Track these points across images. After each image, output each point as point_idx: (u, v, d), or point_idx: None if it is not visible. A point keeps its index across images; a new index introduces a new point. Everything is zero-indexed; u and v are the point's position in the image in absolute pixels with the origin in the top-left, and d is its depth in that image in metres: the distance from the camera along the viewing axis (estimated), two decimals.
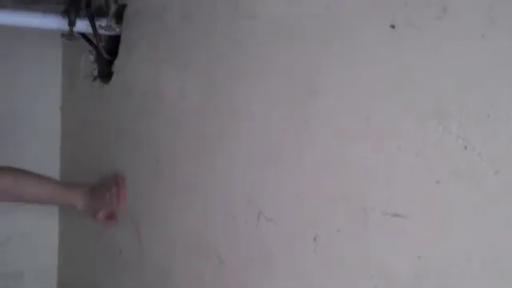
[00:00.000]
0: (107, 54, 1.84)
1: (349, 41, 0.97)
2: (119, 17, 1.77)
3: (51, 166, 2.35)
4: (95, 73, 1.96)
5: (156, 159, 1.56)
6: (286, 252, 1.09)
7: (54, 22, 1.80)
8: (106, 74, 1.89)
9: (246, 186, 1.21)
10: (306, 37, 1.06)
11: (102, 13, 1.80)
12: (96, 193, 1.75)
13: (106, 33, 1.78)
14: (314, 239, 1.01)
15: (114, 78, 1.83)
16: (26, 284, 2.35)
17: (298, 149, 1.06)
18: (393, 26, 0.88)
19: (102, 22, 1.78)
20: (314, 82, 1.03)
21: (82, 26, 1.80)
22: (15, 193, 1.73)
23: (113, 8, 1.72)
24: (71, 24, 1.76)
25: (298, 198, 1.05)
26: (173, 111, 1.49)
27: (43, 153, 2.35)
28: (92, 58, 1.98)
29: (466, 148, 0.77)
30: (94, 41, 1.85)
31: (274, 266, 1.13)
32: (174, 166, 1.49)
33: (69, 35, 1.77)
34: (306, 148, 1.04)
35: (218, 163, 1.31)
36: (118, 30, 1.77)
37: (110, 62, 1.85)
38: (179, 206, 1.47)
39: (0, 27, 1.96)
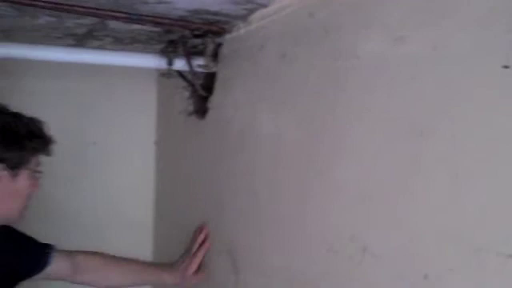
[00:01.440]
0: (203, 90, 1.91)
1: (458, 81, 0.97)
2: (215, 55, 1.84)
3: (145, 199, 2.44)
4: (191, 108, 2.03)
5: (253, 193, 1.59)
6: None
7: (153, 62, 1.89)
8: (201, 110, 1.96)
9: (349, 222, 1.22)
10: (411, 76, 1.07)
11: (198, 51, 1.87)
12: (181, 261, 1.84)
13: (203, 71, 1.85)
14: (425, 277, 1.01)
15: (209, 113, 1.89)
16: None
17: (407, 186, 1.06)
18: (506, 67, 0.89)
19: (198, 61, 1.85)
20: (421, 121, 1.04)
21: (179, 64, 1.88)
22: (105, 274, 1.82)
23: (210, 47, 1.78)
24: (170, 63, 1.84)
25: (408, 235, 1.05)
26: (270, 148, 1.52)
27: (137, 186, 2.44)
28: (187, 94, 2.06)
29: None
30: (190, 78, 1.93)
31: None
32: (272, 200, 1.52)
33: (167, 73, 1.85)
34: (415, 186, 1.04)
35: (319, 199, 1.33)
36: (214, 68, 1.83)
37: (206, 98, 1.92)
38: (277, 241, 1.49)
39: (99, 66, 2.08)
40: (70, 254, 1.75)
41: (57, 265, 1.70)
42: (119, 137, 2.41)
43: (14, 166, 1.50)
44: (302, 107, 1.39)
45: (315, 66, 1.36)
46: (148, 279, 1.91)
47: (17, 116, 1.56)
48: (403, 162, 1.07)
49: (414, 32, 1.07)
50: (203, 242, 1.83)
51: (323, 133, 1.31)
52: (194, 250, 1.83)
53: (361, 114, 1.20)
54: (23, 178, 1.53)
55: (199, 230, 1.86)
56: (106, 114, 2.38)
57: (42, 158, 1.62)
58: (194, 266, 1.81)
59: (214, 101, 1.86)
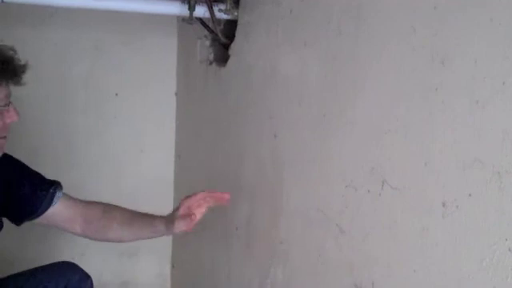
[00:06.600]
0: (224, 37, 1.91)
1: (478, 6, 0.97)
2: (236, 1, 1.84)
3: (166, 150, 2.46)
4: (211, 57, 2.04)
5: (273, 135, 1.61)
6: (411, 219, 1.11)
7: (175, 8, 1.89)
8: (222, 58, 1.97)
9: (368, 156, 1.23)
10: (433, 6, 1.07)
11: None
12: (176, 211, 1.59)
13: (225, 17, 1.85)
14: (443, 205, 1.02)
15: (230, 60, 1.90)
16: (141, 260, 2.47)
17: (427, 117, 1.06)
18: None
19: (219, 7, 1.85)
20: (442, 50, 1.04)
21: (200, 10, 1.88)
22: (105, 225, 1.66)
23: None
24: (191, 9, 1.84)
25: (427, 165, 1.06)
26: (292, 89, 1.53)
27: (158, 138, 2.46)
28: (208, 43, 2.07)
29: None
30: (211, 25, 1.93)
31: (397, 234, 1.15)
32: (292, 140, 1.53)
33: (189, 19, 1.85)
34: (435, 115, 1.05)
35: (338, 136, 1.34)
36: (235, 13, 1.83)
37: (227, 46, 1.92)
38: (297, 180, 1.51)
39: (119, 14, 2.09)
40: (75, 200, 1.66)
41: (60, 207, 1.62)
42: (141, 88, 2.42)
43: None
44: (325, 46, 1.40)
45: (337, 3, 1.35)
46: (146, 234, 1.68)
47: None
48: (424, 92, 1.07)
49: None
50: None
51: (345, 69, 1.32)
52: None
53: (382, 46, 1.20)
54: None
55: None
56: (128, 65, 2.39)
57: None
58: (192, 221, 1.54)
59: (236, 47, 1.87)
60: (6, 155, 1.55)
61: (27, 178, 1.61)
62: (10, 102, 1.47)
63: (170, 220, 1.58)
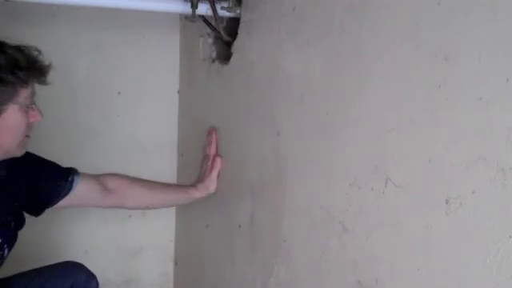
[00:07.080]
0: (226, 34, 1.91)
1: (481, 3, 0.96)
2: None
3: (169, 150, 2.46)
4: (214, 55, 2.03)
5: (277, 133, 1.60)
6: (415, 217, 1.11)
7: (177, 6, 1.88)
8: (224, 56, 1.96)
9: (372, 154, 1.23)
10: (437, 1, 1.06)
11: None
12: (202, 173, 1.94)
13: (227, 14, 1.85)
14: (447, 202, 1.02)
15: (232, 58, 1.89)
16: (144, 258, 2.47)
17: (431, 114, 1.06)
18: None
19: (222, 4, 1.84)
20: (445, 47, 1.04)
21: (203, 8, 1.88)
22: (135, 193, 1.84)
23: None
24: (194, 6, 1.84)
25: (431, 162, 1.06)
26: (295, 87, 1.53)
27: (161, 136, 2.45)
28: (210, 40, 2.06)
29: None
30: (213, 23, 1.93)
31: (401, 232, 1.15)
32: (295, 138, 1.53)
33: (192, 17, 1.85)
34: (439, 112, 1.04)
35: (342, 133, 1.33)
36: (238, 11, 1.82)
37: (229, 44, 1.92)
38: (300, 178, 1.51)
39: (122, 12, 2.08)
40: (96, 176, 1.76)
41: (82, 188, 1.69)
42: (143, 86, 2.41)
43: None
44: (328, 43, 1.39)
45: (339, 1, 1.35)
46: (176, 197, 1.95)
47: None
48: (428, 90, 1.07)
49: None
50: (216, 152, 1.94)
51: (348, 66, 1.31)
52: (208, 152, 1.95)
53: (386, 44, 1.20)
54: (12, 112, 1.44)
55: (209, 133, 1.97)
56: (130, 63, 2.38)
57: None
58: (215, 176, 1.91)
59: (238, 45, 1.86)
60: (26, 152, 1.58)
61: (47, 172, 1.67)
62: (34, 102, 1.49)
63: (198, 182, 1.90)
